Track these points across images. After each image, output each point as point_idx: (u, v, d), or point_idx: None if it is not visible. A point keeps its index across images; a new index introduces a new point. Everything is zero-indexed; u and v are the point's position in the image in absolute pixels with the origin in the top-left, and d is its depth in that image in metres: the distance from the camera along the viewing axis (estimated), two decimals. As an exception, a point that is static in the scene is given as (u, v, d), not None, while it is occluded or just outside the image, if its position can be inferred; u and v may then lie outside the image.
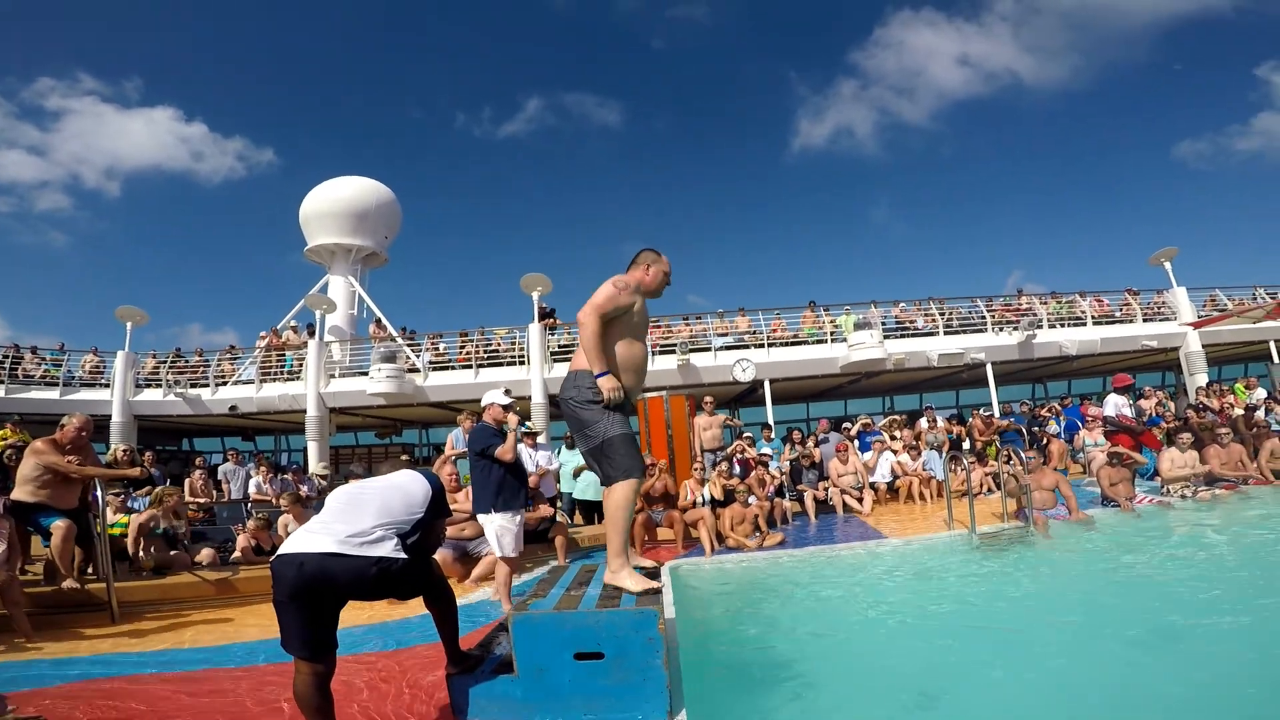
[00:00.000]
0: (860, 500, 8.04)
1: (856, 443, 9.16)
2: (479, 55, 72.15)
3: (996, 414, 11.50)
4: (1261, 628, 3.49)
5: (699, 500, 7.14)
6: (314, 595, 2.16)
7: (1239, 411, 9.73)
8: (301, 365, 14.72)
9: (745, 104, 71.05)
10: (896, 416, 10.74)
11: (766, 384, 14.81)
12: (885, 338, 14.85)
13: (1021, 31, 64.09)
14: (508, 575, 4.48)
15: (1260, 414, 9.18)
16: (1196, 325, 14.25)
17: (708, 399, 8.98)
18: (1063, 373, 18.19)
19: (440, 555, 5.59)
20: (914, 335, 15.58)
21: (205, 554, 5.72)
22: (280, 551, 2.26)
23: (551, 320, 15.04)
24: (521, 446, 5.13)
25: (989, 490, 8.14)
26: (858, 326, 14.77)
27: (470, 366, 14.49)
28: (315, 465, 12.36)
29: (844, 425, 9.89)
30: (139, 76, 63.78)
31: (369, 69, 70.61)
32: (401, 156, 69.09)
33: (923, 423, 9.92)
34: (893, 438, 9.28)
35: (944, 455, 7.83)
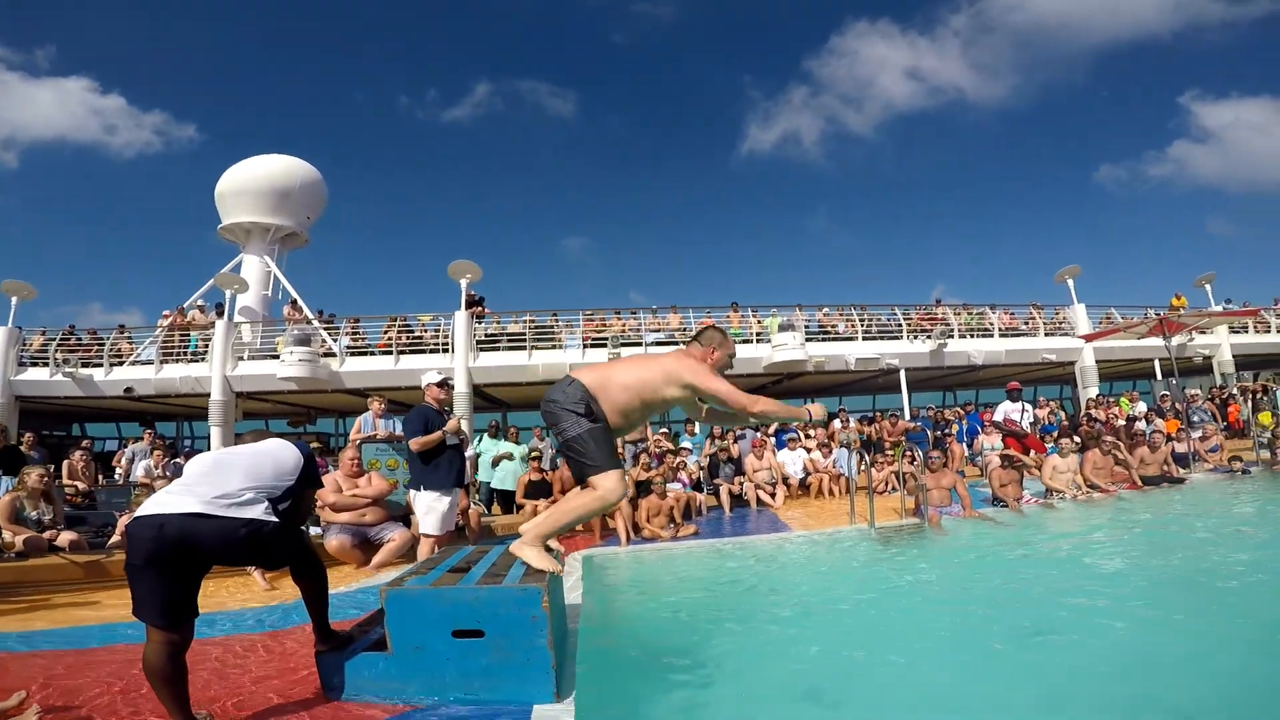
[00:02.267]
0: (773, 495, 8.26)
1: (773, 440, 9.41)
2: (430, 35, 70.03)
3: (906, 417, 12.04)
4: (1126, 615, 3.79)
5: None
6: (175, 559, 2.02)
7: (1122, 422, 10.60)
8: (207, 346, 13.83)
9: (698, 104, 71.95)
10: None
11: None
12: (807, 340, 15.32)
13: (971, 48, 67.28)
14: (429, 552, 4.42)
15: (1140, 424, 10.02)
16: (1089, 338, 15.40)
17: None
18: (970, 381, 19.26)
19: (338, 541, 5.39)
20: (835, 339, 16.14)
21: (65, 537, 5.29)
22: (137, 514, 2.10)
23: (479, 309, 14.73)
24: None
25: (892, 488, 8.51)
26: (781, 328, 15.17)
27: (391, 353, 14.00)
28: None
29: (759, 425, 10.14)
30: (52, 44, 58.63)
31: (312, 47, 67.35)
32: (337, 137, 66.29)
33: (836, 423, 10.29)
34: (807, 436, 9.57)
35: (852, 454, 8.14)
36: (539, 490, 7.57)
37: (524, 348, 14.45)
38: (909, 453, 8.07)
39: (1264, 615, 3.68)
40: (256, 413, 16.42)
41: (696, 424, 11.94)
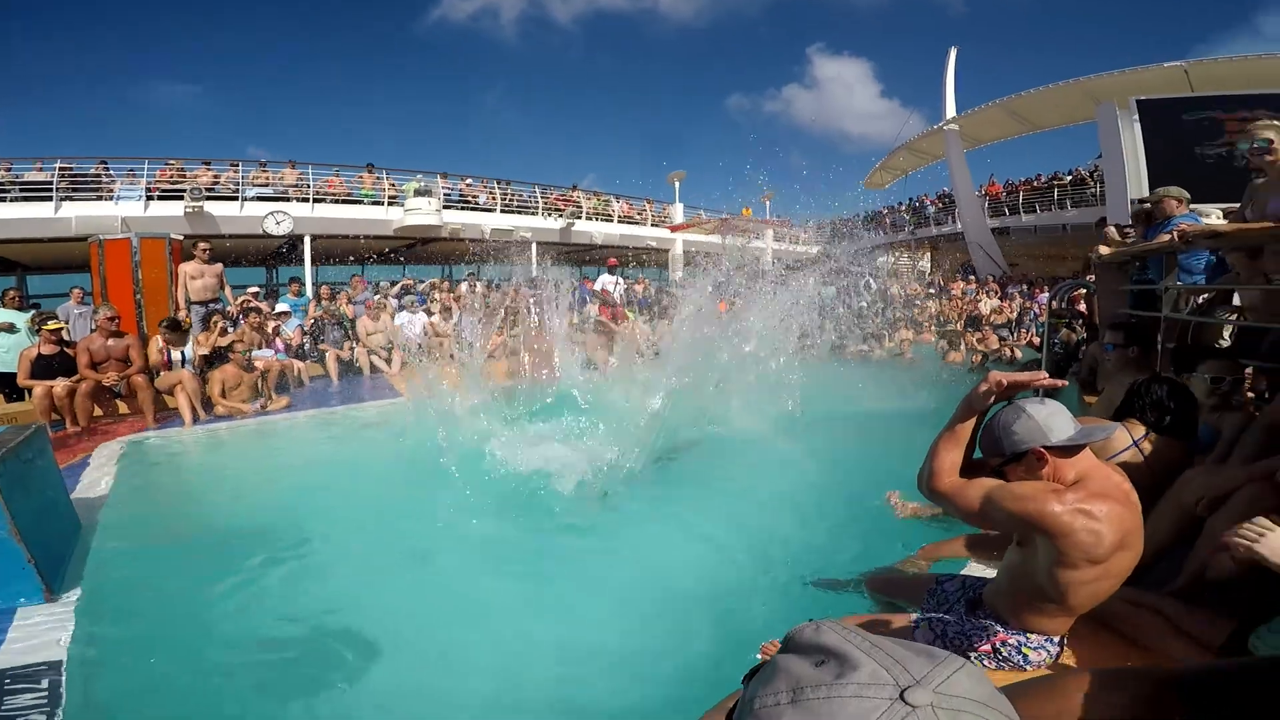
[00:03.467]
0: (389, 361, 7.89)
1: (392, 302, 8.90)
2: None
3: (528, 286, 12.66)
4: None
5: (179, 360, 5.88)
6: None
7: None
8: None
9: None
10: (439, 280, 10.85)
11: (307, 240, 13.18)
12: (445, 208, 14.73)
13: None
14: None
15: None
16: (674, 229, 18.29)
17: (203, 245, 7.32)
18: (593, 259, 21.24)
19: None
20: (474, 209, 15.88)
21: None
22: None
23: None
24: None
25: (512, 351, 8.95)
26: (418, 193, 14.29)
27: None
28: None
29: (381, 285, 9.50)
30: None
31: None
32: None
33: (464, 287, 10.26)
34: (432, 300, 9.31)
35: (480, 320, 8.22)
36: (51, 368, 5.55)
37: (49, 198, 11.27)
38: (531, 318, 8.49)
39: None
40: None
41: (302, 282, 10.57)
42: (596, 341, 8.07)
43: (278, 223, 12.58)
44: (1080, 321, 6.97)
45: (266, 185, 13.57)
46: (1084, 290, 7.17)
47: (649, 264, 22.95)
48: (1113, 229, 5.16)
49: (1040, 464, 1.47)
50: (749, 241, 21.04)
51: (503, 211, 16.27)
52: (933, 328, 12.36)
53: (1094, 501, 1.40)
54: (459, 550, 3.04)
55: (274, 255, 16.06)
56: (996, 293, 14.65)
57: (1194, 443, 2.40)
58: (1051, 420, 1.47)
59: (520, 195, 17.21)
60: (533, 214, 16.78)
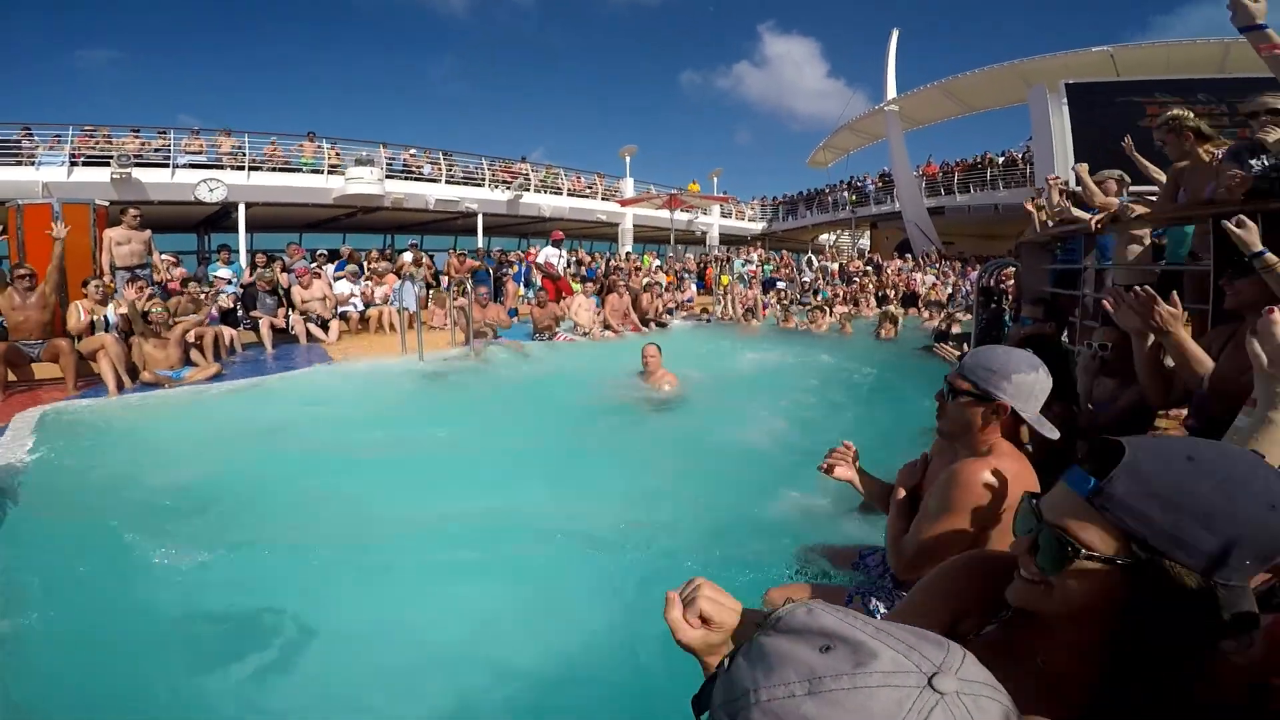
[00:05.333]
0: (326, 328, 7.76)
1: (329, 269, 8.71)
2: None
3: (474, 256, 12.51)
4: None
5: (101, 324, 5.68)
6: None
7: (646, 280, 13.02)
8: None
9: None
10: (377, 251, 10.65)
11: (241, 207, 12.69)
12: (388, 177, 14.36)
13: None
14: None
15: (647, 279, 12.51)
16: (624, 203, 18.29)
17: (132, 211, 7.03)
18: (541, 231, 21.07)
19: None
20: (417, 180, 15.51)
21: None
22: None
23: None
24: None
25: (455, 323, 8.91)
26: (359, 163, 13.91)
27: None
28: None
29: (319, 253, 9.28)
30: None
31: None
32: None
33: (406, 256, 10.09)
34: (374, 272, 9.14)
35: (417, 287, 8.13)
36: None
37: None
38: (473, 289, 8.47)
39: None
40: None
41: (238, 254, 10.20)
42: (540, 314, 8.14)
43: (210, 190, 12.06)
44: (1008, 299, 7.39)
45: (200, 153, 13.04)
46: (1012, 269, 7.59)
47: (599, 238, 22.92)
48: (1031, 205, 5.10)
49: (996, 419, 1.45)
50: (696, 217, 21.25)
51: (448, 183, 15.93)
52: (871, 304, 12.83)
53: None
54: (396, 527, 2.99)
55: (206, 221, 15.36)
56: (935, 270, 15.32)
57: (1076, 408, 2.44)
58: (1036, 391, 1.43)
59: (466, 167, 16.87)
60: (479, 185, 16.48)
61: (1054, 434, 1.43)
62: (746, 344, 9.72)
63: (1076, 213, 4.06)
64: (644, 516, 3.06)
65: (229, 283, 8.13)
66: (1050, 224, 4.51)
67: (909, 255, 18.13)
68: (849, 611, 0.50)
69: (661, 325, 10.14)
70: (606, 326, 9.18)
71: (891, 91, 20.34)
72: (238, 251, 12.44)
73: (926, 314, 11.45)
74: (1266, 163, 2.61)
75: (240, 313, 7.60)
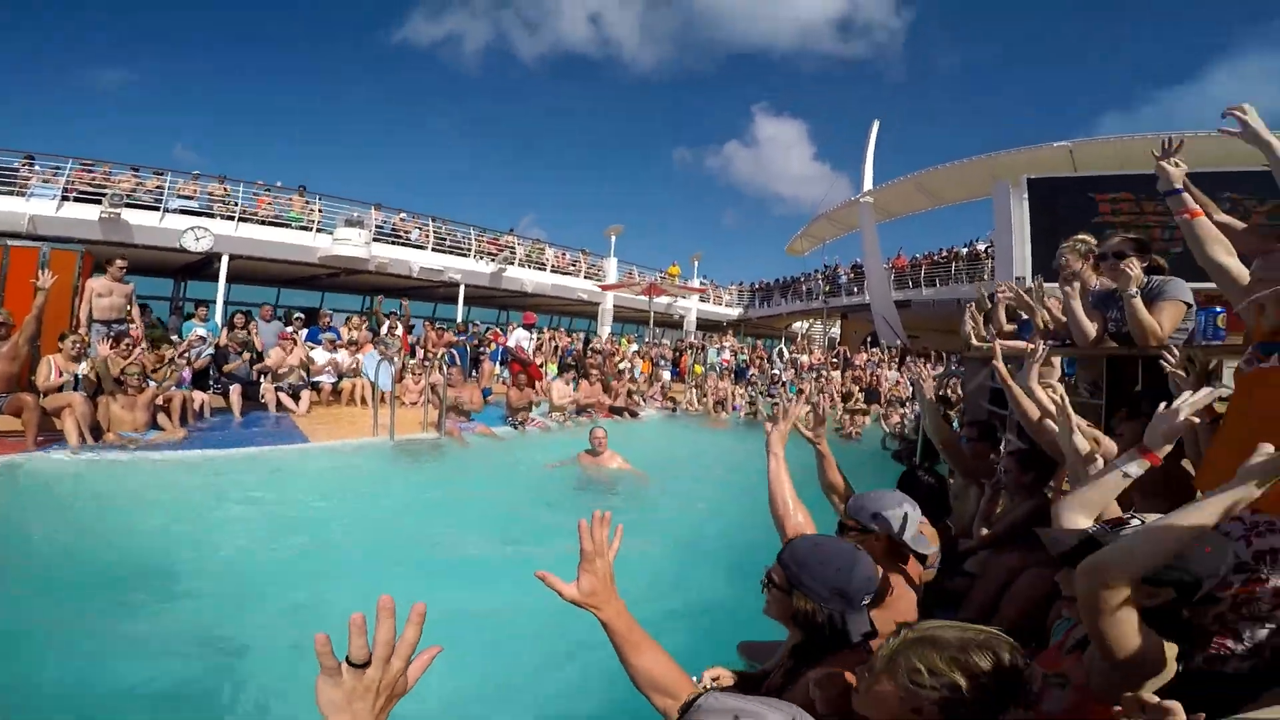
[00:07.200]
0: (297, 398, 7.74)
1: (304, 333, 8.74)
2: None
3: (453, 331, 12.68)
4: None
5: (70, 382, 5.65)
6: None
7: (626, 364, 13.24)
8: None
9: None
10: (358, 316, 10.75)
11: (225, 259, 12.78)
12: (375, 240, 14.66)
13: (650, 11, 70.57)
14: None
15: (626, 364, 12.76)
16: (605, 288, 18.77)
17: (118, 261, 7.09)
18: (522, 305, 21.46)
19: None
20: (404, 245, 15.84)
21: None
22: None
23: None
24: None
25: (429, 401, 8.93)
26: (349, 223, 14.18)
27: None
28: None
29: (295, 317, 9.34)
30: None
31: None
32: None
33: (385, 330, 10.17)
34: (351, 342, 9.20)
35: (394, 362, 8.20)
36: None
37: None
38: (447, 366, 8.56)
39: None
40: None
41: (214, 308, 10.22)
42: (518, 397, 8.26)
43: (197, 238, 12.16)
44: (956, 408, 7.70)
45: (192, 198, 13.24)
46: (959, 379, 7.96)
47: (579, 315, 23.32)
48: (968, 323, 5.14)
49: (879, 548, 1.83)
50: (675, 301, 21.86)
51: (434, 250, 16.29)
52: (838, 399, 13.13)
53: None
54: (346, 609, 3.02)
55: (185, 269, 15.36)
56: (895, 364, 15.87)
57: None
58: (906, 521, 1.85)
59: (454, 234, 17.27)
60: (464, 255, 16.86)
61: (929, 549, 1.89)
62: (711, 436, 9.93)
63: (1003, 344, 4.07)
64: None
65: (203, 340, 8.10)
66: (983, 341, 4.57)
67: (875, 349, 18.59)
68: (741, 695, 0.90)
69: (634, 414, 10.29)
70: (580, 411, 9.32)
71: (869, 182, 20.97)
72: (214, 303, 12.46)
73: (886, 412, 11.76)
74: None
75: (213, 372, 7.57)
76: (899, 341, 18.83)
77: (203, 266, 14.29)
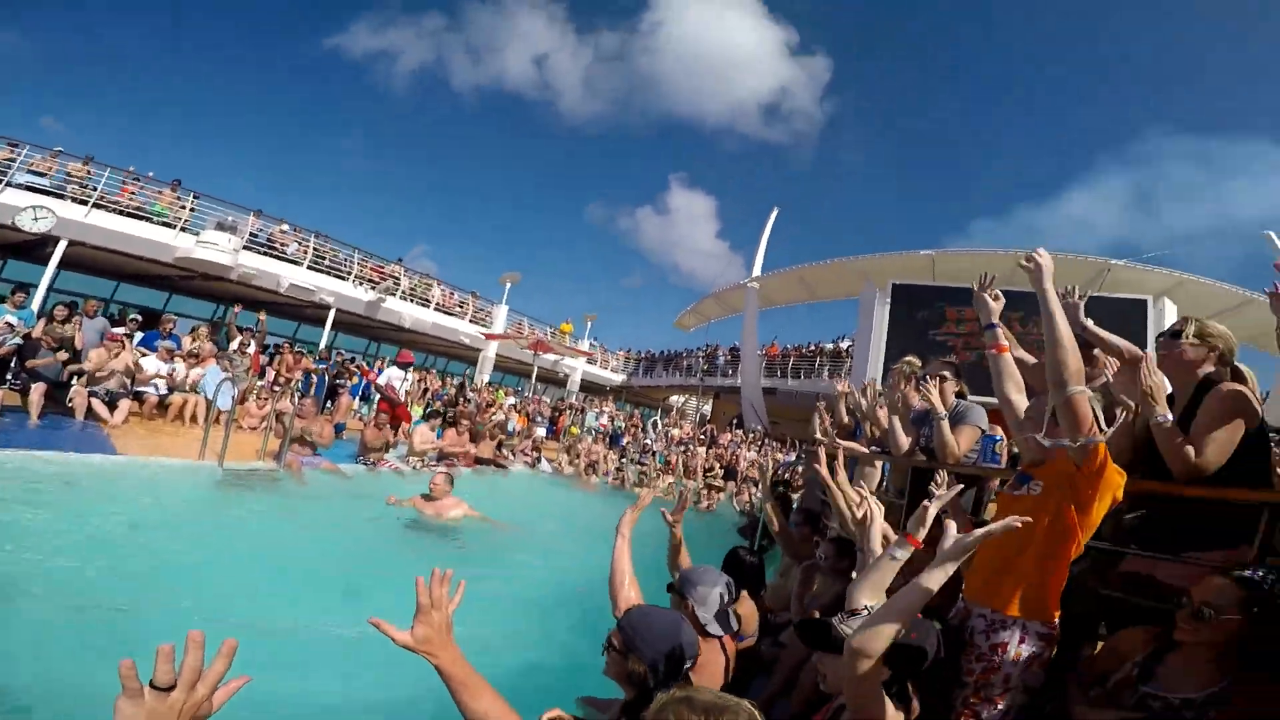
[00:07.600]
0: (114, 407, 6.86)
1: (138, 336, 7.86)
2: None
3: (316, 358, 11.90)
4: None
5: None
6: None
7: (498, 416, 12.83)
8: None
9: None
10: (207, 326, 9.86)
11: (62, 245, 11.40)
12: (246, 248, 13.64)
13: (598, 64, 72.50)
14: None
15: (501, 415, 12.45)
16: (489, 337, 18.49)
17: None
18: (397, 340, 20.55)
19: None
20: (278, 258, 14.82)
21: None
22: None
23: None
24: None
25: (270, 429, 8.23)
26: (220, 226, 13.14)
27: None
28: None
29: (131, 318, 8.42)
30: None
31: None
32: None
33: (235, 346, 9.36)
34: (192, 354, 8.34)
35: (235, 381, 7.55)
36: None
37: None
38: (299, 395, 8.01)
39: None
40: None
41: (30, 294, 8.96)
42: (375, 437, 7.84)
43: (35, 219, 10.77)
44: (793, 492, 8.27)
45: (44, 175, 11.76)
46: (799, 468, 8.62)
47: (458, 358, 22.59)
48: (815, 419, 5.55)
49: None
50: (561, 359, 21.86)
51: (310, 268, 15.32)
52: (700, 473, 13.59)
53: None
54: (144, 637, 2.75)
55: (10, 247, 13.41)
56: (756, 446, 16.70)
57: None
58: (711, 598, 2.15)
59: (336, 254, 16.41)
60: (343, 278, 15.99)
61: (717, 630, 2.13)
62: (578, 497, 9.89)
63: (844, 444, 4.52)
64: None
65: (11, 328, 7.05)
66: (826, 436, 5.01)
67: (740, 430, 19.52)
68: None
69: (500, 467, 10.05)
70: (441, 458, 8.95)
71: (758, 268, 21.90)
72: (35, 287, 10.93)
73: (740, 489, 12.32)
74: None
75: (15, 365, 6.58)
76: (759, 426, 19.86)
77: (36, 246, 12.59)
